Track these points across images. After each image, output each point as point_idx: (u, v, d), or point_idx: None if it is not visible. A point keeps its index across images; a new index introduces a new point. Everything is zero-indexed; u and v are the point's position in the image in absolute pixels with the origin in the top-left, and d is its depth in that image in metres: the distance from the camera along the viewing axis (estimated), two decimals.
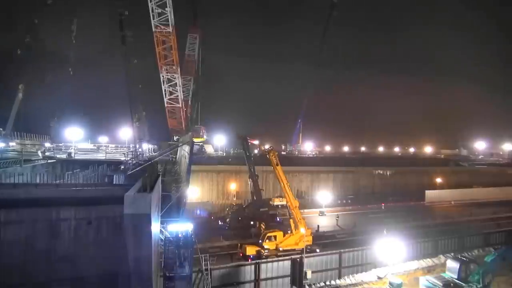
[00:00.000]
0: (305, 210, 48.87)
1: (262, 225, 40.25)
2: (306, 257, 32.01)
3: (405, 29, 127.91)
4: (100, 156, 36.45)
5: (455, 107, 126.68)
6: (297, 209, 36.81)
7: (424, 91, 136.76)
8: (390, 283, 32.03)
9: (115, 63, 46.26)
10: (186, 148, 37.44)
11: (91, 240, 18.40)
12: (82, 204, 18.39)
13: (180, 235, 21.04)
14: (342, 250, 35.12)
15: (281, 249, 34.61)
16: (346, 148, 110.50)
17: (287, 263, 32.29)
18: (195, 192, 50.82)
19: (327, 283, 33.70)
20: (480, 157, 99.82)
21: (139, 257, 16.72)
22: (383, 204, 57.42)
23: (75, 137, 41.47)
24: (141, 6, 37.25)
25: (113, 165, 26.84)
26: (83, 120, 53.27)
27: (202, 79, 62.58)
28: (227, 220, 43.94)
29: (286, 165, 44.31)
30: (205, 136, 64.05)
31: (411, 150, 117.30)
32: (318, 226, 43.50)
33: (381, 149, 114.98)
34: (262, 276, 31.32)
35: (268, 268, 31.65)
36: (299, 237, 34.94)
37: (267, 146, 54.57)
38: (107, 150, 40.88)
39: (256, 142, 53.34)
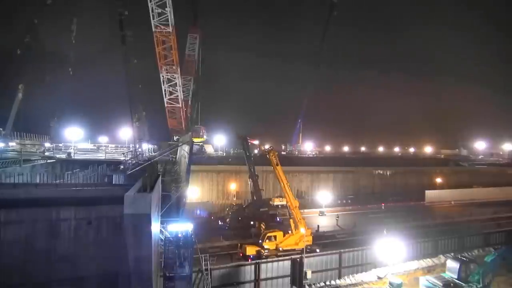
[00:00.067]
0: (305, 210, 48.86)
1: (262, 225, 40.23)
2: (306, 257, 32.00)
3: (405, 29, 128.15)
4: (100, 156, 36.42)
5: (455, 107, 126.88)
6: (297, 209, 36.80)
7: (424, 91, 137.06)
8: (390, 283, 32.03)
9: (115, 63, 46.28)
10: (186, 148, 37.41)
11: (91, 240, 18.41)
12: (82, 204, 18.40)
13: (180, 235, 21.06)
14: (342, 250, 35.11)
15: (281, 249, 34.59)
16: (346, 148, 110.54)
17: (287, 263, 32.28)
18: (195, 192, 50.82)
19: (327, 283, 33.69)
20: (480, 157, 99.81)
21: (139, 257, 16.73)
22: (383, 204, 57.41)
23: (75, 137, 41.48)
24: (141, 6, 37.23)
25: (113, 165, 26.83)
26: (83, 120, 53.30)
27: (202, 79, 62.52)
28: (227, 220, 43.94)
29: (286, 165, 44.31)
30: (205, 136, 64.00)
31: (411, 150, 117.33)
32: (318, 226, 43.49)
33: (381, 149, 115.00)
34: (262, 276, 31.31)
35: (268, 268, 31.64)
36: (299, 237, 34.92)
37: (267, 146, 54.61)
38: (107, 150, 40.84)
39: (256, 142, 53.35)
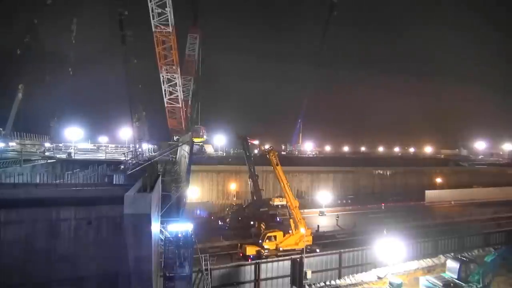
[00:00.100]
0: (305, 210, 48.88)
1: (262, 225, 40.22)
2: (306, 257, 32.01)
3: (405, 29, 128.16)
4: (100, 156, 36.41)
5: (455, 107, 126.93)
6: (297, 209, 36.79)
7: (424, 91, 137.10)
8: (390, 283, 32.03)
9: (115, 63, 46.24)
10: (186, 148, 37.41)
11: (91, 240, 18.38)
12: (82, 204, 18.38)
13: (180, 235, 21.06)
14: (342, 250, 35.12)
15: (281, 249, 34.60)
16: (346, 148, 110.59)
17: (287, 263, 32.29)
18: (195, 192, 50.83)
19: (327, 283, 33.70)
20: (480, 157, 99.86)
21: (139, 257, 16.72)
22: (383, 204, 57.44)
23: (75, 137, 41.43)
24: (141, 6, 37.23)
25: (113, 165, 26.79)
26: (83, 120, 53.20)
27: (202, 79, 62.52)
28: (227, 220, 43.95)
29: (286, 165, 44.32)
30: (205, 136, 63.99)
31: (411, 150, 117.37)
32: (318, 226, 43.50)
33: (381, 149, 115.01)
34: (262, 276, 31.32)
35: (268, 268, 31.65)
36: (299, 237, 34.92)
37: (267, 146, 54.63)
38: (107, 150, 40.83)
39: (256, 142, 53.37)
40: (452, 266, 31.51)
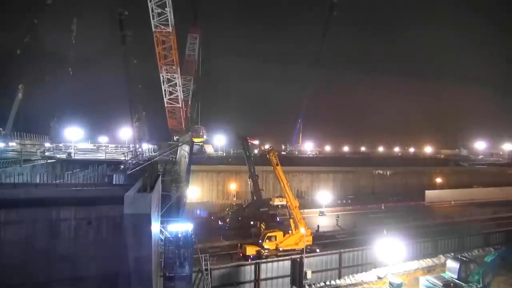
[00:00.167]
0: (305, 210, 48.85)
1: (262, 225, 40.21)
2: (306, 257, 31.99)
3: (405, 29, 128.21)
4: (100, 156, 36.44)
5: (455, 107, 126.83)
6: (297, 209, 36.79)
7: (424, 91, 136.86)
8: (390, 283, 32.02)
9: (115, 63, 46.24)
10: (186, 148, 37.42)
11: (91, 240, 18.38)
12: (82, 204, 18.38)
13: (180, 235, 21.05)
14: (342, 250, 35.10)
15: (281, 249, 34.59)
16: (346, 148, 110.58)
17: (287, 263, 32.27)
18: (195, 192, 50.81)
19: (327, 283, 33.68)
20: (480, 157, 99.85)
21: (139, 257, 16.72)
22: (383, 204, 57.43)
23: (75, 137, 41.46)
24: (141, 6, 37.24)
25: (113, 165, 26.81)
26: (83, 120, 53.22)
27: (202, 79, 62.55)
28: (227, 220, 43.93)
29: (286, 165, 44.30)
30: (205, 136, 63.99)
31: (411, 150, 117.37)
32: (318, 226, 43.50)
33: (381, 149, 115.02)
34: (262, 276, 31.30)
35: (268, 268, 31.62)
36: (299, 237, 34.92)
37: (267, 146, 54.60)
38: (107, 150, 40.86)
39: (256, 142, 53.34)
40: (452, 266, 31.51)
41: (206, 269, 27.83)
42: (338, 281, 33.98)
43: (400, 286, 31.62)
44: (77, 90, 69.42)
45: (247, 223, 42.16)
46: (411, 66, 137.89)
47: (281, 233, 35.52)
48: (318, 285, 33.21)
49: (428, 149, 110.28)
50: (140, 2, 37.53)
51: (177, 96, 43.58)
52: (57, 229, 18.01)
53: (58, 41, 66.18)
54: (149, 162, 24.06)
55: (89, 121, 59.12)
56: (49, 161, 30.05)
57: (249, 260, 32.31)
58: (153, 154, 32.54)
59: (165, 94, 43.11)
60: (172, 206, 22.71)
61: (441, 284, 29.96)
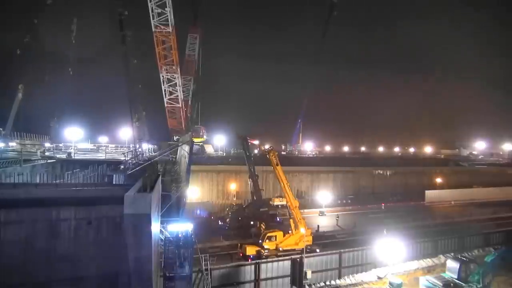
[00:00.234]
0: (305, 210, 48.89)
1: (262, 225, 40.21)
2: (306, 257, 32.00)
3: (405, 29, 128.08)
4: (100, 156, 36.46)
5: (455, 107, 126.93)
6: (297, 209, 36.79)
7: (424, 91, 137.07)
8: (390, 283, 32.02)
9: (115, 63, 46.24)
10: (186, 148, 37.42)
11: (91, 240, 18.38)
12: (82, 204, 18.39)
13: (180, 235, 21.05)
14: (342, 250, 35.10)
15: (281, 249, 34.60)
16: (346, 148, 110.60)
17: (287, 263, 32.27)
18: (195, 192, 50.80)
19: (327, 283, 33.68)
20: (480, 157, 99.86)
21: (139, 257, 16.73)
22: (383, 204, 57.42)
23: (75, 137, 41.43)
24: (141, 6, 37.23)
25: (113, 165, 26.82)
26: (83, 120, 53.19)
27: (202, 79, 62.53)
28: (227, 220, 43.92)
29: (286, 165, 44.30)
30: (205, 136, 63.97)
31: (411, 150, 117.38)
32: (318, 226, 43.51)
33: (381, 149, 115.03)
34: (262, 276, 31.30)
35: (268, 268, 31.63)
36: (299, 237, 34.92)
37: (267, 146, 54.56)
38: (107, 150, 40.89)
39: (256, 142, 53.30)
40: (452, 266, 31.52)
41: (206, 269, 27.83)
42: (338, 281, 33.99)
43: (400, 286, 31.63)
44: (77, 90, 69.45)
45: (247, 223, 42.16)
46: (411, 66, 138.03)
47: (281, 233, 35.53)
48: (318, 285, 33.21)
49: (428, 149, 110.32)
50: (140, 2, 37.52)
51: (177, 96, 43.57)
52: (57, 229, 18.02)
53: (58, 41, 66.19)
54: (149, 162, 24.09)
55: (89, 121, 59.16)
56: (49, 161, 30.06)
57: (249, 260, 32.31)
58: (153, 154, 32.55)
59: (165, 94, 43.10)
60: (172, 206, 22.71)
61: (441, 284, 29.97)
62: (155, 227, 18.17)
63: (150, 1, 35.79)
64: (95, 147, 46.40)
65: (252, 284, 31.06)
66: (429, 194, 64.07)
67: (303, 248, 32.65)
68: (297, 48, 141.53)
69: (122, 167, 24.42)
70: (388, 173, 70.81)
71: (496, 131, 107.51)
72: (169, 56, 40.37)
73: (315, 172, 64.07)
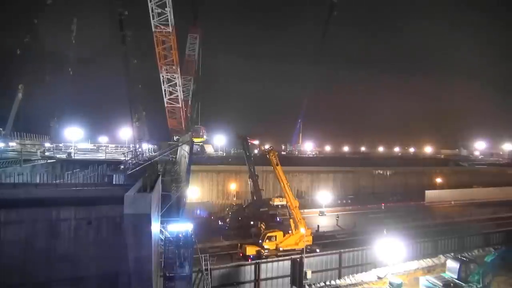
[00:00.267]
0: (305, 210, 48.87)
1: (262, 225, 40.19)
2: (306, 257, 32.00)
3: (405, 29, 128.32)
4: (100, 156, 36.46)
5: (455, 107, 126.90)
6: (297, 209, 36.79)
7: (424, 91, 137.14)
8: (390, 283, 32.02)
9: (115, 63, 46.26)
10: (186, 148, 37.41)
11: (91, 240, 18.38)
12: (82, 204, 18.39)
13: (180, 235, 21.04)
14: (342, 250, 35.10)
15: (281, 249, 34.59)
16: (346, 148, 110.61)
17: (287, 263, 32.28)
18: (195, 192, 50.80)
19: (327, 283, 33.68)
20: (480, 157, 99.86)
21: (139, 257, 16.72)
22: (383, 204, 57.42)
23: (75, 137, 41.46)
24: (141, 6, 37.24)
25: (113, 165, 26.83)
26: (83, 120, 53.24)
27: (202, 79, 62.53)
28: (227, 220, 43.90)
29: (286, 165, 44.28)
30: (205, 136, 63.99)
31: (411, 150, 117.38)
32: (318, 226, 43.51)
33: (381, 149, 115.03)
34: (262, 276, 31.30)
35: (268, 268, 31.63)
36: (299, 237, 34.92)
37: (267, 146, 54.56)
38: (107, 150, 40.89)
39: (256, 142, 53.32)
40: (452, 266, 31.52)
41: (206, 269, 27.83)
42: (338, 281, 33.98)
43: (400, 286, 31.63)
44: (77, 90, 69.52)
45: (247, 223, 42.16)
46: (411, 66, 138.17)
47: (281, 233, 35.52)
48: (318, 285, 33.21)
49: (428, 149, 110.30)
50: (140, 2, 37.53)
51: (177, 96, 43.58)
52: (57, 229, 18.01)
53: (58, 41, 66.25)
54: (149, 162, 24.09)
55: (89, 121, 59.20)
56: (49, 161, 30.06)
57: (249, 260, 32.31)
58: (153, 154, 32.55)
59: (165, 94, 43.12)
60: (172, 206, 22.70)
61: (441, 284, 29.97)
62: (155, 227, 18.17)
63: (150, 1, 35.81)
64: (95, 147, 46.41)
65: (252, 284, 31.06)
66: (429, 194, 64.04)
67: (303, 248, 32.65)
68: (297, 48, 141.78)
69: (122, 167, 24.43)
70: (388, 173, 70.80)
71: (496, 131, 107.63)
72: (169, 56, 40.38)
73: (315, 172, 64.06)
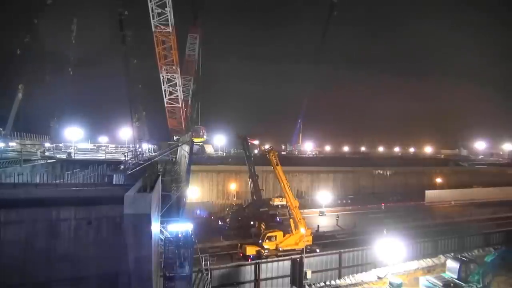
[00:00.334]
0: (305, 210, 48.86)
1: (262, 225, 40.19)
2: (306, 257, 31.99)
3: (405, 29, 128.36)
4: (100, 156, 36.47)
5: (455, 107, 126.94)
6: (297, 209, 36.78)
7: (424, 91, 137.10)
8: (390, 283, 32.02)
9: (115, 63, 46.29)
10: (186, 148, 37.42)
11: (91, 240, 18.39)
12: (82, 204, 18.40)
13: (180, 235, 21.04)
14: (342, 250, 35.09)
15: (281, 249, 34.58)
16: (346, 148, 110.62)
17: (287, 263, 32.27)
18: (195, 192, 50.79)
19: (327, 283, 33.67)
20: (480, 157, 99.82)
21: (139, 257, 16.72)
22: (383, 204, 57.40)
23: (75, 137, 41.49)
24: (141, 6, 37.25)
25: (113, 165, 26.84)
26: (83, 120, 53.30)
27: (202, 79, 62.53)
28: (227, 220, 43.89)
29: (286, 165, 44.28)
30: (205, 136, 63.99)
31: (411, 150, 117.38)
32: (318, 226, 43.50)
33: (381, 149, 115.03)
34: (262, 276, 31.29)
35: (268, 268, 31.62)
36: (299, 237, 34.91)
37: (267, 146, 54.55)
38: (107, 150, 40.91)
39: (256, 142, 53.27)
40: (452, 266, 31.51)
41: (206, 269, 27.83)
42: (338, 281, 33.97)
43: (400, 286, 31.62)
44: (77, 90, 69.56)
45: (247, 223, 42.13)
46: (411, 66, 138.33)
47: (281, 233, 35.51)
48: (318, 285, 33.20)
49: (428, 149, 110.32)
50: (140, 2, 37.53)
51: (177, 96, 43.57)
52: (57, 229, 18.02)
53: (58, 41, 66.27)
54: (149, 162, 24.09)
55: (89, 121, 59.25)
56: (49, 161, 30.07)
57: (249, 260, 32.29)
58: (153, 154, 32.56)
59: (165, 94, 43.10)
60: (172, 206, 22.73)
61: (441, 284, 29.97)
62: (155, 227, 18.17)
63: (150, 1, 35.80)
64: (95, 147, 46.44)
65: (252, 284, 31.05)
66: (429, 194, 64.02)
67: (303, 248, 32.64)
68: (297, 48, 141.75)
69: (122, 167, 24.45)
70: (388, 173, 70.79)
71: (496, 131, 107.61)
72: (169, 56, 40.37)
73: (315, 172, 64.05)
